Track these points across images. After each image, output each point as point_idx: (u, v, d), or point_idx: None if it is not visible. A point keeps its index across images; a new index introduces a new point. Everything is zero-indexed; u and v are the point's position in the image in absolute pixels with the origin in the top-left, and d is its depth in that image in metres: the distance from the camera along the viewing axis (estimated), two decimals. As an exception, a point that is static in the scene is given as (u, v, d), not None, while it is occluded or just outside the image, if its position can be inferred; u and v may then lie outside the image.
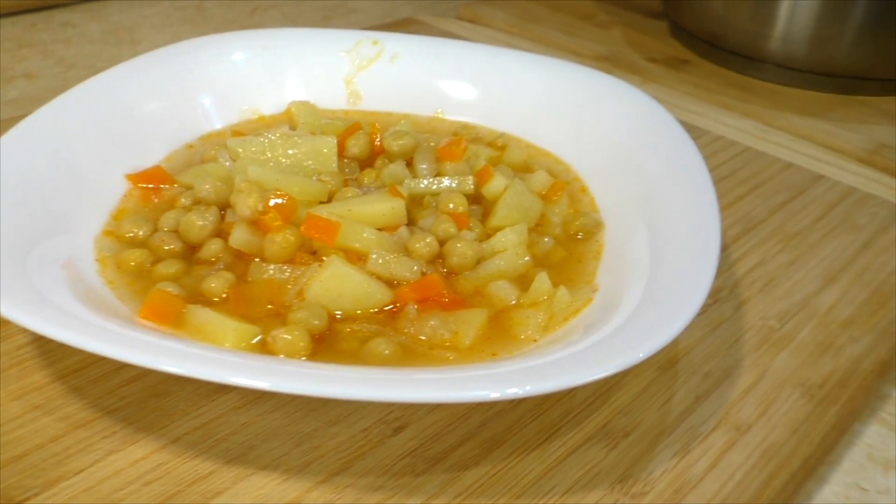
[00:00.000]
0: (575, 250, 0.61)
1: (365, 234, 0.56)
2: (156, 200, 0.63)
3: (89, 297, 0.49)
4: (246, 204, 0.56)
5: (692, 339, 0.57)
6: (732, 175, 0.80)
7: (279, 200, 0.56)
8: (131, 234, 0.58)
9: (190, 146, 0.71)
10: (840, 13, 0.95)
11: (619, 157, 0.68)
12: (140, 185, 0.64)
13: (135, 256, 0.55)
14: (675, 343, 0.56)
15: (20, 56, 0.98)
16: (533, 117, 0.76)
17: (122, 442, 0.46)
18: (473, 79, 0.80)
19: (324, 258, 0.54)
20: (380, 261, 0.54)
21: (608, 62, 1.10)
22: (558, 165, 0.72)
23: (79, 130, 0.63)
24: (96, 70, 0.69)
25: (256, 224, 0.56)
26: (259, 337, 0.49)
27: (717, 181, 0.77)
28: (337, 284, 0.52)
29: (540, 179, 0.67)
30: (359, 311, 0.53)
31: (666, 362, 0.54)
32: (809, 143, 0.91)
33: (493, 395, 0.40)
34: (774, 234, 0.70)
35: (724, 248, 0.68)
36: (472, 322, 0.52)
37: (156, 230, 0.59)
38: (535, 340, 0.51)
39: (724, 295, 0.62)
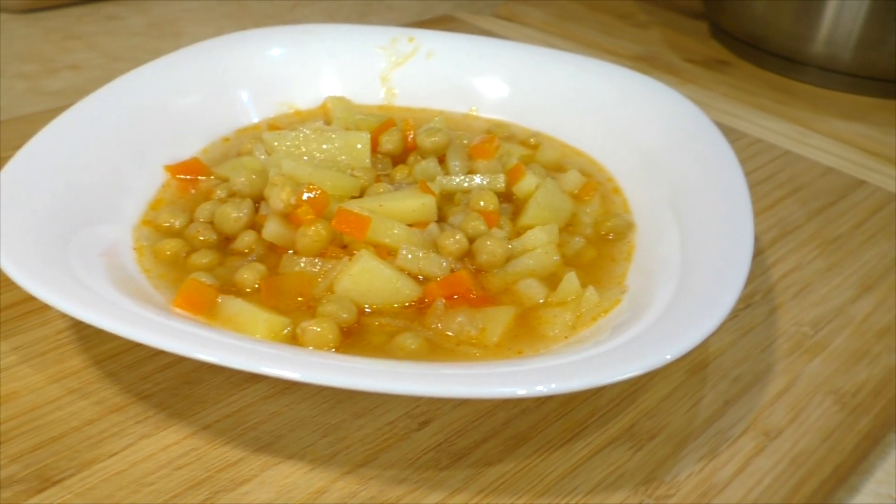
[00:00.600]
0: (606, 251, 0.60)
1: (395, 230, 0.56)
2: (193, 192, 0.64)
3: (126, 285, 0.51)
4: (279, 197, 0.56)
5: (722, 343, 0.56)
6: (771, 178, 0.79)
7: (312, 194, 0.57)
8: (168, 224, 0.59)
9: (227, 139, 0.72)
10: (887, 16, 0.93)
11: (653, 158, 0.68)
12: (178, 176, 0.65)
13: (171, 246, 0.57)
14: (704, 346, 0.55)
15: (67, 48, 1.01)
16: (567, 117, 0.76)
17: (155, 427, 0.47)
18: (508, 77, 0.80)
19: (354, 252, 0.55)
20: (409, 256, 0.55)
21: (646, 62, 1.09)
22: (592, 165, 0.72)
23: (120, 121, 0.64)
24: (139, 62, 0.70)
25: (289, 217, 0.57)
26: (289, 328, 0.50)
27: (755, 184, 0.76)
28: (366, 279, 0.53)
29: (572, 179, 0.67)
30: (387, 306, 0.53)
31: (695, 365, 0.54)
32: (851, 148, 0.89)
33: (520, 391, 0.41)
34: (812, 239, 0.69)
35: (760, 253, 0.67)
36: (499, 319, 0.52)
37: (192, 221, 0.60)
38: (562, 339, 0.51)
39: (758, 299, 0.61)
